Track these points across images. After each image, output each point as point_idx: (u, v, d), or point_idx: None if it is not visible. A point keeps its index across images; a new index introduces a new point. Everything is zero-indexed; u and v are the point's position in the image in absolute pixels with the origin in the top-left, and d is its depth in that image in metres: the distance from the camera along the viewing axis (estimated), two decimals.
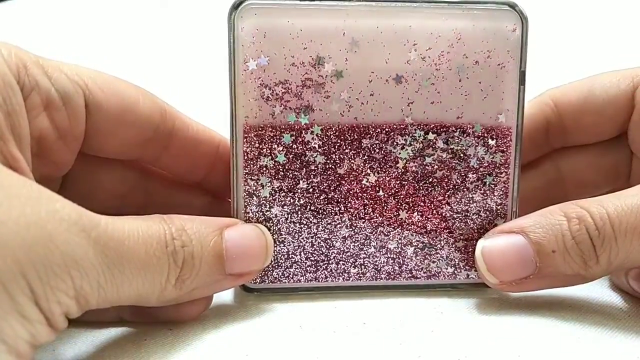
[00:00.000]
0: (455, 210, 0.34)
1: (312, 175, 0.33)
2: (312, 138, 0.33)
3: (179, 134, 0.34)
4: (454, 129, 0.33)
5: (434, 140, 0.33)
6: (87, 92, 0.30)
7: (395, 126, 0.33)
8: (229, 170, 0.33)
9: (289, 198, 0.33)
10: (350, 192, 0.34)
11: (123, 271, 0.26)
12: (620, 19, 0.78)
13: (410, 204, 0.34)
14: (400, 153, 0.33)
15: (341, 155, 0.33)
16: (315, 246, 0.34)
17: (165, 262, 0.28)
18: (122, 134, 0.32)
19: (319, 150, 0.33)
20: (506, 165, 0.34)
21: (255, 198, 0.33)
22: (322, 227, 0.34)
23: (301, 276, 0.34)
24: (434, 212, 0.34)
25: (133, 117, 0.32)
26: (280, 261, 0.34)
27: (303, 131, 0.33)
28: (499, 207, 0.35)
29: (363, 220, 0.34)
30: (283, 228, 0.34)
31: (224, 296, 0.35)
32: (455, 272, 0.35)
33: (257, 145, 0.32)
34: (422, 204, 0.34)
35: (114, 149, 0.33)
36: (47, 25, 0.79)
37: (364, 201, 0.34)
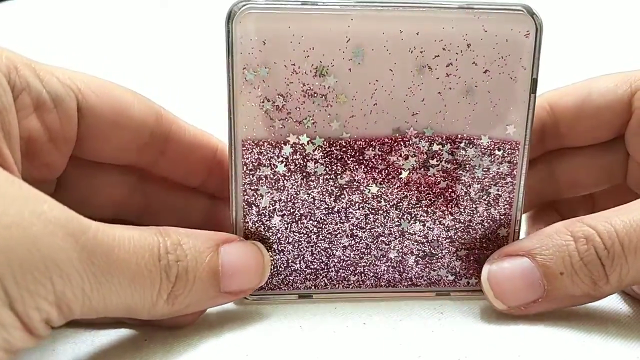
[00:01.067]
0: (458, 220, 0.34)
1: (312, 186, 0.32)
2: (313, 149, 0.32)
3: (175, 138, 0.33)
4: (459, 140, 0.32)
5: (439, 151, 0.32)
6: (79, 96, 0.30)
7: (399, 137, 0.32)
8: (227, 179, 0.32)
9: (289, 208, 0.33)
10: (352, 202, 0.33)
11: (111, 280, 0.25)
12: (621, 19, 0.78)
13: (413, 215, 0.33)
14: (403, 164, 0.32)
15: (342, 167, 0.32)
16: (315, 255, 0.34)
17: (157, 275, 0.27)
18: (116, 138, 0.32)
19: (320, 161, 0.32)
20: (512, 176, 0.33)
21: (254, 208, 0.33)
22: (323, 236, 0.33)
23: (300, 284, 0.34)
24: (437, 222, 0.34)
25: (127, 121, 0.31)
26: (280, 269, 0.34)
27: (304, 143, 0.32)
28: (502, 217, 0.34)
29: (364, 230, 0.33)
30: (283, 237, 0.33)
31: None
32: (456, 279, 0.35)
33: (256, 155, 0.32)
34: (424, 214, 0.33)
35: (109, 153, 0.32)
36: (47, 25, 0.78)
37: (365, 211, 0.33)
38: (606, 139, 0.37)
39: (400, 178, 0.33)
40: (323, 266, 0.34)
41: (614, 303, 0.35)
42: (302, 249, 0.34)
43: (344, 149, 0.32)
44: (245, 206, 0.33)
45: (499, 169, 0.33)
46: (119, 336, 0.31)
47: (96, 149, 0.32)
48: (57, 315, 0.24)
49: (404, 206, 0.33)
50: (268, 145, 0.32)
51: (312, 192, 0.33)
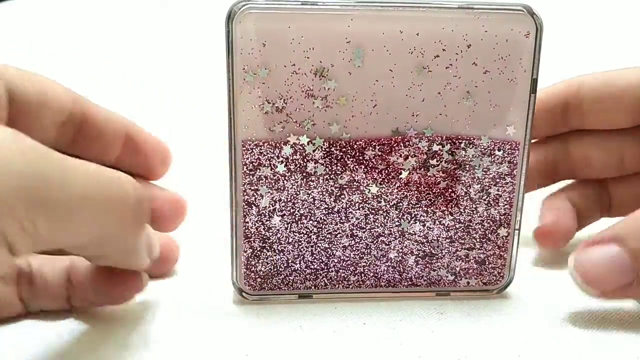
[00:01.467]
0: (458, 220, 0.34)
1: (312, 186, 0.32)
2: (313, 150, 0.32)
3: (90, 118, 0.34)
4: (459, 140, 0.32)
5: (439, 152, 0.32)
6: (7, 80, 0.31)
7: (399, 137, 0.32)
8: (140, 155, 0.33)
9: (289, 208, 0.33)
10: (352, 202, 0.33)
11: (69, 201, 0.23)
12: (621, 19, 0.78)
13: (413, 215, 0.33)
14: (403, 164, 0.32)
15: (342, 167, 0.32)
16: (315, 255, 0.34)
17: (125, 197, 0.26)
18: (41, 119, 0.32)
19: (320, 161, 0.32)
20: (512, 175, 0.33)
21: (254, 208, 0.33)
22: (323, 236, 0.33)
23: (300, 284, 0.34)
24: (437, 222, 0.34)
25: (50, 103, 0.32)
26: (280, 269, 0.34)
27: (304, 144, 0.32)
28: (502, 217, 0.34)
29: (364, 230, 0.34)
30: (283, 237, 0.33)
31: (224, 297, 0.35)
32: (456, 279, 0.35)
33: (256, 156, 0.32)
34: (424, 214, 0.33)
35: (35, 135, 0.34)
36: (47, 25, 0.79)
37: (365, 211, 0.33)
38: (625, 125, 0.37)
39: (400, 178, 0.33)
40: (323, 266, 0.34)
41: (612, 302, 0.35)
42: (302, 249, 0.34)
43: (344, 149, 0.32)
44: (245, 206, 0.33)
45: (499, 169, 0.33)
46: (119, 336, 0.31)
47: (24, 132, 0.33)
48: (21, 238, 0.22)
49: (404, 206, 0.33)
50: (268, 146, 0.32)
51: (312, 192, 0.33)
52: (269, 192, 0.32)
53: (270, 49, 0.30)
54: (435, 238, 0.34)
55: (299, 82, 0.31)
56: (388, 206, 0.33)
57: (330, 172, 0.32)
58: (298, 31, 0.30)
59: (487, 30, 0.31)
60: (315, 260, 0.34)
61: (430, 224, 0.34)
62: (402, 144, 0.32)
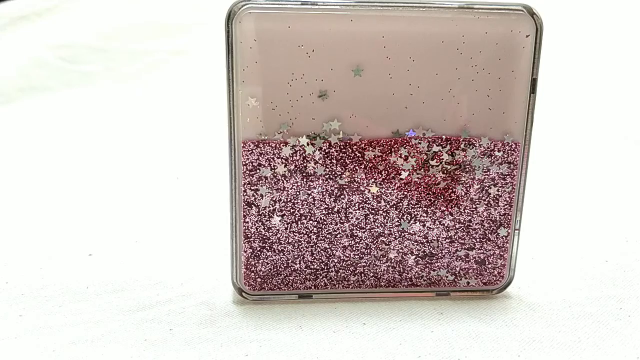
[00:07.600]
0: (458, 221, 0.34)
1: (312, 186, 0.33)
2: (313, 150, 0.32)
3: None
4: (459, 141, 0.32)
5: (439, 152, 0.32)
6: None
7: (399, 139, 0.32)
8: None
9: (289, 208, 0.33)
10: (352, 202, 0.33)
11: None
12: (621, 19, 0.78)
13: (412, 215, 0.34)
14: (403, 165, 0.33)
15: (342, 167, 0.32)
16: (315, 255, 0.34)
17: None
18: None
19: (320, 162, 0.32)
20: (512, 176, 0.33)
21: (254, 208, 0.33)
22: (323, 236, 0.34)
23: (300, 284, 0.34)
24: (436, 222, 0.34)
25: None
26: (280, 269, 0.34)
27: (304, 144, 0.32)
28: (502, 217, 0.34)
29: (364, 230, 0.34)
30: (283, 237, 0.33)
31: (224, 297, 0.35)
32: (456, 279, 0.35)
33: (256, 156, 0.32)
34: (424, 214, 0.33)
35: None
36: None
37: (365, 212, 0.33)
38: None
39: (401, 179, 0.33)
40: (323, 266, 0.34)
41: (612, 302, 0.35)
42: (302, 249, 0.34)
43: (344, 150, 0.32)
44: (245, 206, 0.33)
45: (499, 169, 0.33)
46: (117, 335, 0.31)
47: None
48: None
49: (404, 206, 0.33)
50: (268, 146, 0.32)
51: (313, 192, 0.33)
52: (269, 192, 0.32)
53: (271, 51, 0.30)
54: (435, 238, 0.34)
55: (299, 82, 0.31)
56: (388, 206, 0.33)
57: (330, 172, 0.32)
58: (298, 31, 0.30)
59: (486, 30, 0.31)
60: (315, 260, 0.34)
61: (430, 224, 0.34)
62: (401, 146, 0.32)
